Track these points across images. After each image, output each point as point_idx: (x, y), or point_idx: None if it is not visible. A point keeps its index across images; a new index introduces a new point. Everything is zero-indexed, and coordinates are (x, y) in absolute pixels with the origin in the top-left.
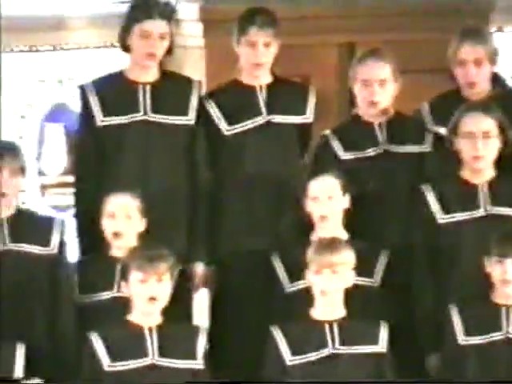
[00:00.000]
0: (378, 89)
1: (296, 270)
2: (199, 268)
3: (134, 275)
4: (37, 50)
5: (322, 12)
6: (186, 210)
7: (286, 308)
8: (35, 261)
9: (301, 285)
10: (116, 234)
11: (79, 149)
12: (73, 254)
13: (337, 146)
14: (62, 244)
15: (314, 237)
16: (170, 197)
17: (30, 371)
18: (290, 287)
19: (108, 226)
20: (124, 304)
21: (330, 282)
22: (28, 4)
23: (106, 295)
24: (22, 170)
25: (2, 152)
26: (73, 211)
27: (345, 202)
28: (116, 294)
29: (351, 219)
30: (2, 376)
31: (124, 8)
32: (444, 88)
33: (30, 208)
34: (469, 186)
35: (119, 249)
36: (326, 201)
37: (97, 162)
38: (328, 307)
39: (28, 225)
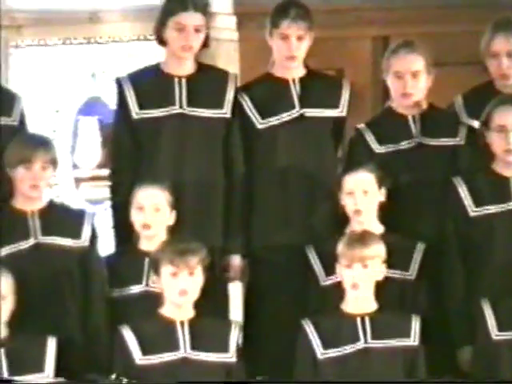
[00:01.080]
0: (411, 81)
1: (331, 264)
2: (236, 261)
3: (166, 269)
4: (70, 43)
5: (356, 4)
6: (221, 203)
7: (320, 301)
8: (66, 253)
9: (336, 278)
10: (144, 226)
11: (115, 142)
12: (106, 247)
13: (371, 139)
14: (93, 237)
15: (349, 230)
16: (205, 190)
17: (61, 365)
18: (325, 280)
19: (137, 218)
20: (155, 297)
21: (360, 275)
22: None
23: (135, 289)
24: (54, 163)
25: (35, 145)
26: (108, 204)
27: (380, 195)
28: (146, 288)
29: (385, 212)
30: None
31: (157, 1)
32: (480, 81)
33: (61, 201)
34: (501, 179)
35: (148, 241)
36: (361, 195)
37: (132, 155)
38: (359, 301)
39: (59, 217)
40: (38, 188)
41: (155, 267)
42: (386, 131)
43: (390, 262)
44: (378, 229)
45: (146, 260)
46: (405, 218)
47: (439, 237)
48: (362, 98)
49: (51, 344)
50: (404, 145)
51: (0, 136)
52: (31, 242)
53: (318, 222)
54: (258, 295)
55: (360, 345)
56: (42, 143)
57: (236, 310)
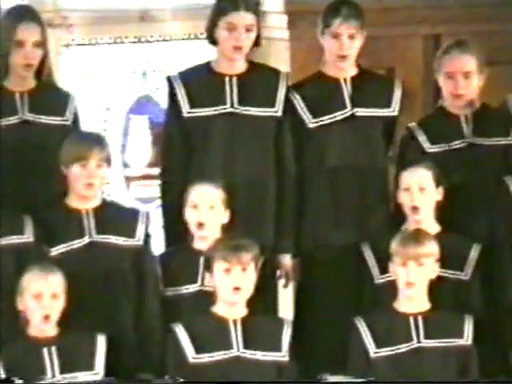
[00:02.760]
0: (463, 81)
1: (385, 262)
2: (286, 260)
3: (219, 265)
4: (121, 42)
5: (407, 3)
6: (272, 202)
7: (374, 299)
8: (120, 252)
9: (390, 276)
10: (199, 225)
11: (166, 140)
12: (157, 246)
13: (422, 138)
14: (147, 235)
15: (404, 228)
16: (256, 188)
17: (113, 363)
18: (379, 278)
19: (191, 216)
20: (208, 296)
21: (415, 274)
22: None
23: (190, 288)
24: (108, 161)
25: (90, 143)
26: (159, 203)
27: (437, 194)
28: (200, 288)
29: (441, 212)
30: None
31: (207, 0)
32: None
33: (114, 200)
34: None
35: (203, 240)
36: (418, 192)
37: (183, 154)
38: (413, 300)
39: (114, 216)
40: (92, 186)
41: (208, 265)
42: (437, 131)
43: (445, 262)
44: (435, 228)
45: (201, 259)
46: (458, 218)
47: (492, 237)
48: (414, 97)
49: (101, 342)
50: (456, 144)
51: (53, 135)
52: (86, 240)
53: (371, 220)
54: (309, 294)
55: (413, 344)
56: (96, 141)
57: (287, 308)
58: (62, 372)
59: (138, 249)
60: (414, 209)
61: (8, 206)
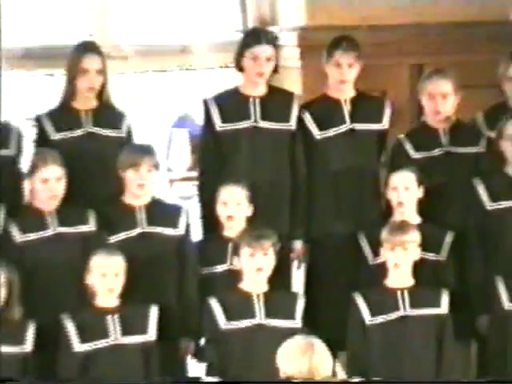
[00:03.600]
0: (441, 101)
1: (377, 247)
2: (298, 245)
3: (244, 250)
4: (166, 71)
5: (397, 38)
6: (287, 198)
7: (369, 278)
8: (166, 240)
9: (381, 259)
10: (228, 218)
11: (202, 149)
12: (195, 234)
13: (409, 147)
14: (187, 226)
15: (392, 220)
16: (274, 187)
17: (160, 330)
18: (373, 261)
19: (222, 211)
20: (236, 275)
21: (401, 257)
22: (159, 33)
23: (221, 268)
24: (156, 167)
25: (142, 152)
26: (196, 200)
27: (419, 192)
28: (229, 267)
29: (422, 206)
30: (3, 376)
31: (236, 36)
32: (497, 101)
33: (161, 197)
34: None
35: (231, 230)
36: (403, 190)
37: (216, 160)
38: (400, 277)
39: (161, 211)
40: (144, 187)
41: (236, 250)
42: (420, 141)
43: (425, 247)
44: (417, 220)
45: (230, 245)
46: (435, 211)
47: (464, 227)
48: (401, 114)
49: (154, 311)
50: (435, 152)
51: (111, 145)
52: (138, 231)
53: (366, 213)
54: (317, 273)
55: (400, 313)
56: (147, 151)
57: (298, 285)
58: (122, 335)
59: (181, 237)
60: (400, 204)
61: (75, 201)
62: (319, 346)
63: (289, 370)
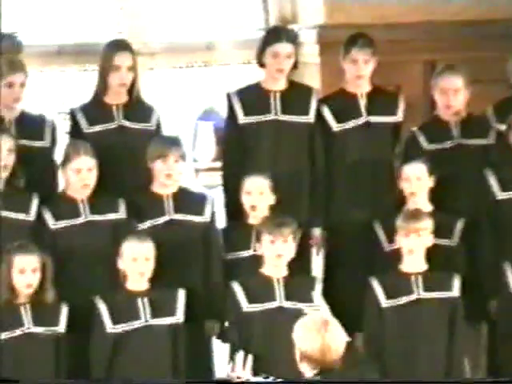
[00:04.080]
0: (453, 96)
1: (392, 234)
2: (317, 232)
3: (266, 237)
4: (192, 67)
5: (411, 36)
6: (306, 187)
7: (384, 263)
8: (193, 227)
9: (396, 245)
10: (252, 207)
11: (225, 141)
12: (220, 222)
13: (422, 139)
14: (213, 214)
15: (406, 209)
16: (295, 177)
17: (187, 312)
18: (388, 247)
19: (246, 200)
20: (258, 260)
21: (415, 243)
22: (185, 31)
23: (244, 254)
24: (183, 158)
25: (170, 144)
26: (221, 189)
27: (430, 182)
28: (252, 253)
29: (434, 195)
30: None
31: (259, 34)
32: (506, 95)
33: (188, 187)
34: None
35: (254, 218)
36: (416, 181)
37: (239, 151)
38: (414, 262)
39: (188, 200)
40: (171, 177)
41: (258, 237)
42: (433, 134)
43: (438, 233)
44: (428, 207)
45: (253, 231)
46: (448, 200)
47: (474, 214)
48: (415, 108)
49: (181, 295)
50: (447, 144)
51: (141, 137)
52: (166, 218)
53: (381, 202)
54: (335, 259)
55: (414, 296)
56: (175, 142)
57: (317, 270)
58: (152, 317)
59: (206, 224)
60: (412, 194)
61: (107, 191)
62: (333, 325)
63: (302, 345)
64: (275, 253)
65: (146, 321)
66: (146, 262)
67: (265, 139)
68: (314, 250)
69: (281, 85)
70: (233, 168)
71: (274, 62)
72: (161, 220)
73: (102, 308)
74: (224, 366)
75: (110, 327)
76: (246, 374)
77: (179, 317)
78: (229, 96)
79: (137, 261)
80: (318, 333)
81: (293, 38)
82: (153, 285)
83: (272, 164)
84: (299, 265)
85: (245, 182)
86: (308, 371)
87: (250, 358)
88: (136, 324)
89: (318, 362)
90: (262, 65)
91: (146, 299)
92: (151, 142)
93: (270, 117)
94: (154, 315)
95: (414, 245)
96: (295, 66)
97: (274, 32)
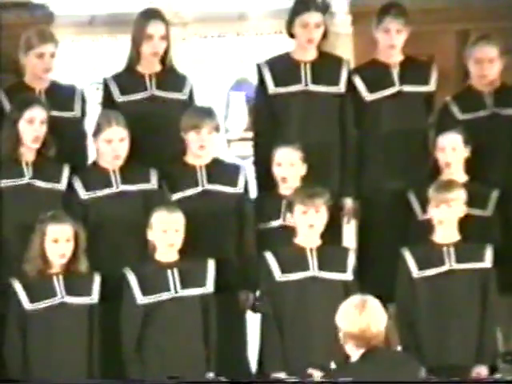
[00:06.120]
0: (487, 65)
1: (426, 204)
2: (348, 202)
3: (298, 208)
4: (224, 36)
5: (443, 5)
6: (337, 157)
7: (418, 233)
8: (226, 198)
9: (429, 215)
10: (283, 179)
11: (256, 112)
12: (252, 192)
13: (455, 109)
14: (246, 185)
15: (440, 179)
16: (326, 148)
17: (220, 282)
18: (421, 217)
19: (277, 171)
20: (290, 230)
21: (445, 213)
22: (217, 0)
23: (275, 223)
24: (217, 129)
25: (203, 115)
26: (252, 160)
27: (465, 152)
28: (283, 223)
29: (468, 165)
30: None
31: (290, 3)
32: None
33: (221, 157)
34: None
35: (286, 189)
36: (451, 151)
37: (269, 122)
38: (446, 233)
39: (221, 170)
40: (204, 148)
41: (290, 207)
42: (467, 103)
43: (472, 203)
44: (463, 178)
45: (284, 202)
46: (483, 170)
47: (510, 185)
48: (448, 77)
49: (211, 265)
50: (481, 113)
51: (174, 107)
52: (199, 189)
53: (415, 172)
54: (367, 229)
55: (446, 267)
56: (209, 114)
57: (348, 240)
58: (182, 288)
59: (240, 195)
60: (447, 164)
61: (138, 161)
62: (372, 304)
63: (344, 326)
64: (307, 223)
65: (176, 292)
66: (176, 233)
67: (295, 110)
68: (344, 220)
69: (311, 55)
70: (263, 138)
71: (303, 31)
72: (194, 191)
73: (132, 279)
74: (256, 337)
75: (140, 299)
76: None
77: (209, 287)
78: (259, 66)
79: (166, 232)
80: (357, 310)
81: (322, 8)
82: (182, 256)
83: (302, 134)
84: (330, 235)
85: (275, 154)
86: (354, 352)
87: None
88: (166, 295)
89: (360, 341)
90: (291, 35)
91: (175, 270)
92: (185, 112)
93: (301, 87)
94: (184, 286)
95: (444, 215)
96: (325, 36)
97: (303, 2)
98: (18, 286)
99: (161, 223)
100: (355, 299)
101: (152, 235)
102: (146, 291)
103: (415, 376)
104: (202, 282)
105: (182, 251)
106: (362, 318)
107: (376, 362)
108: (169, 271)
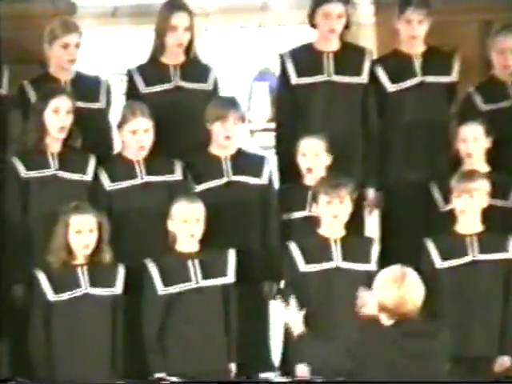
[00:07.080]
0: (511, 55)
1: (448, 195)
2: (371, 193)
3: (322, 198)
4: (246, 27)
5: None
6: (360, 148)
7: (440, 224)
8: (251, 189)
9: (451, 206)
10: (308, 169)
11: (278, 102)
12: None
13: (478, 100)
14: (270, 175)
15: (462, 169)
16: (349, 138)
17: (243, 272)
18: (443, 207)
19: (302, 162)
20: (314, 221)
21: (467, 204)
22: None
23: (300, 214)
24: (242, 119)
25: (229, 105)
26: (275, 150)
27: (487, 143)
28: (308, 214)
29: (491, 156)
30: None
31: None
32: None
33: (245, 148)
34: None
35: (311, 179)
36: (472, 142)
37: (292, 112)
38: (468, 223)
39: (246, 161)
40: (230, 139)
41: (314, 197)
42: (489, 94)
43: (494, 194)
44: (485, 168)
45: (309, 192)
46: (505, 161)
47: None
48: (471, 68)
49: (232, 255)
50: (504, 104)
51: (198, 98)
52: (224, 180)
53: (437, 162)
54: (391, 220)
55: (469, 258)
56: (234, 104)
57: (370, 230)
58: (203, 279)
59: (264, 186)
60: (469, 155)
61: (163, 152)
62: (411, 276)
63: (380, 295)
64: (332, 213)
65: (197, 282)
66: (197, 223)
67: (317, 100)
68: (367, 211)
69: (333, 45)
70: (286, 129)
71: (325, 22)
72: (219, 182)
73: (153, 270)
74: (279, 327)
75: (162, 289)
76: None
77: (230, 277)
78: (281, 57)
79: (187, 222)
80: (395, 284)
81: None
82: (203, 246)
83: (325, 125)
84: (352, 225)
85: (300, 144)
86: (386, 320)
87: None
88: (187, 286)
89: (393, 313)
90: (313, 25)
91: (196, 261)
92: (210, 103)
93: (323, 78)
94: (205, 276)
95: (466, 205)
96: (347, 27)
97: None
98: (42, 277)
99: (181, 213)
100: (395, 270)
101: (173, 226)
102: (167, 282)
103: (445, 347)
104: (222, 272)
105: (202, 242)
106: (399, 292)
107: (406, 332)
108: (189, 262)
